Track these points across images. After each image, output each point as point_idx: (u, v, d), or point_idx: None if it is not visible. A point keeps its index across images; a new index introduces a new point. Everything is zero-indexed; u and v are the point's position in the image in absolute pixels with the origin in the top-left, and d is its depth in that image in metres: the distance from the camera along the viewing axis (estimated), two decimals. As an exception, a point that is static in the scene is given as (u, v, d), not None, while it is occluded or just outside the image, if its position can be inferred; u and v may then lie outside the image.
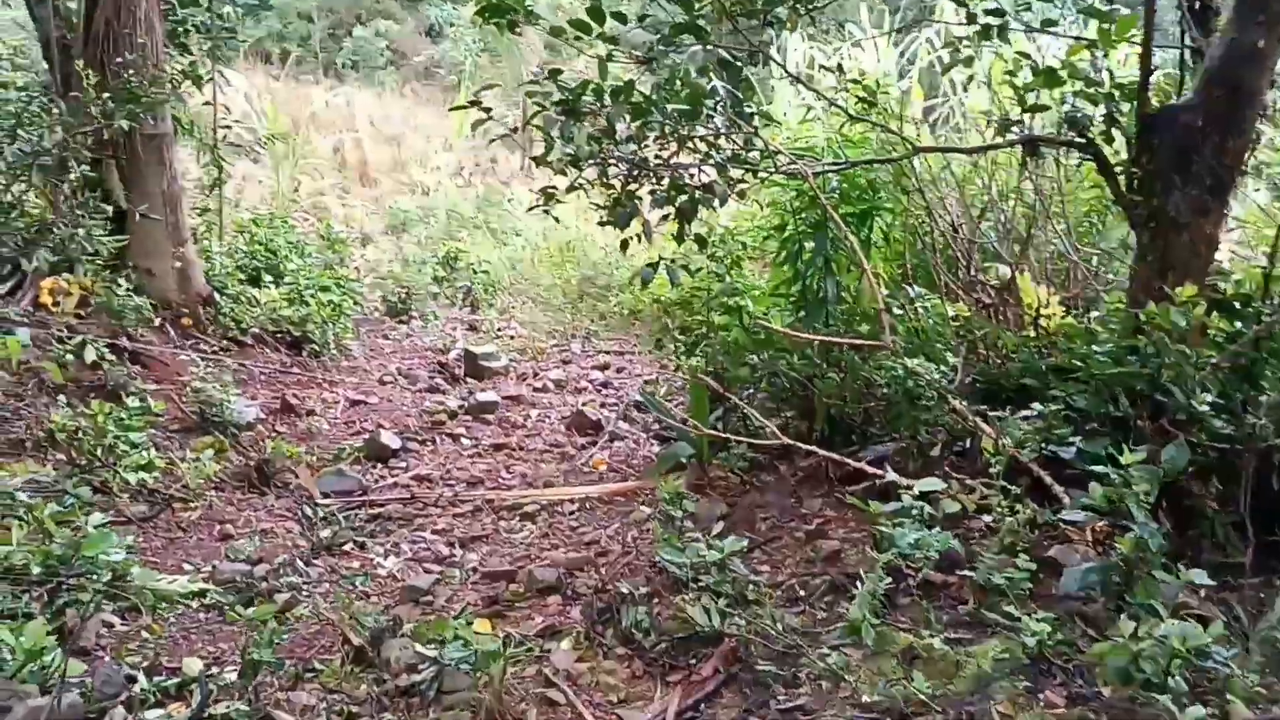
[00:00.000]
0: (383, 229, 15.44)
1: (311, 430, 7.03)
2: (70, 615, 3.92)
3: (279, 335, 8.62)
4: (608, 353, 9.67)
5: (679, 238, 5.25)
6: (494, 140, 22.22)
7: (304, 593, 4.63)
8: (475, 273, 12.12)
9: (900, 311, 5.36)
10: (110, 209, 7.33)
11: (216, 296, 8.22)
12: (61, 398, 5.75)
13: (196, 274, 8.14)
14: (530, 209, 5.24)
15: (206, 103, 8.68)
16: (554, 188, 5.17)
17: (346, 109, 22.15)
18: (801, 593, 4.18)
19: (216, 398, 6.42)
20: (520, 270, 12.68)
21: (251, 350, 8.23)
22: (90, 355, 6.51)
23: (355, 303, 9.96)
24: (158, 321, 7.59)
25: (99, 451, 5.38)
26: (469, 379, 8.58)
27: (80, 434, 5.42)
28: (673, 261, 5.21)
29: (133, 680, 3.55)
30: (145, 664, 3.73)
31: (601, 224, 5.27)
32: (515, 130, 4.59)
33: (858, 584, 3.65)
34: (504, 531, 5.42)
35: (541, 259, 12.42)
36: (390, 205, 16.25)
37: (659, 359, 9.15)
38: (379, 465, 6.49)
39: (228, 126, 8.87)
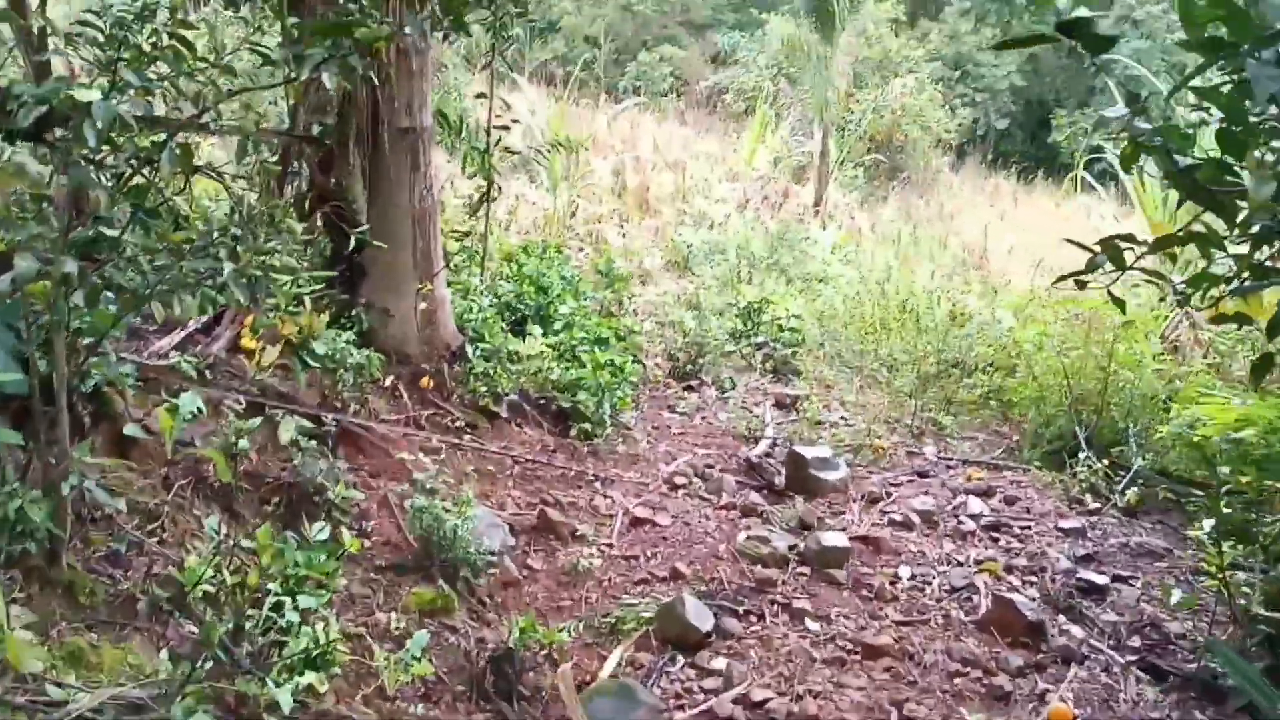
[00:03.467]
0: (663, 264, 13.32)
1: (577, 570, 4.71)
2: None
3: (542, 404, 6.45)
4: (977, 463, 6.84)
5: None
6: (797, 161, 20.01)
7: None
8: (780, 329, 9.60)
9: None
10: (344, 225, 5.42)
11: (469, 349, 6.14)
12: (214, 520, 3.66)
13: (446, 318, 6.09)
14: (1060, 281, 2.60)
15: (480, 95, 6.67)
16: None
17: (629, 132, 20.58)
18: None
19: (448, 522, 4.20)
20: (832, 329, 10.05)
21: (505, 426, 6.07)
22: (286, 434, 4.51)
23: (637, 360, 7.70)
24: (388, 381, 5.58)
25: (250, 626, 3.23)
26: (792, 493, 6.03)
27: (228, 595, 3.31)
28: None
29: None
30: None
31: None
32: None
33: None
34: None
35: (866, 317, 9.72)
36: (673, 237, 14.13)
37: (1066, 489, 6.24)
38: (679, 658, 4.04)
39: (505, 128, 6.79)
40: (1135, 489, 6.03)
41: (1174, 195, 9.08)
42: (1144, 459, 6.21)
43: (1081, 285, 2.58)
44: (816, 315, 10.26)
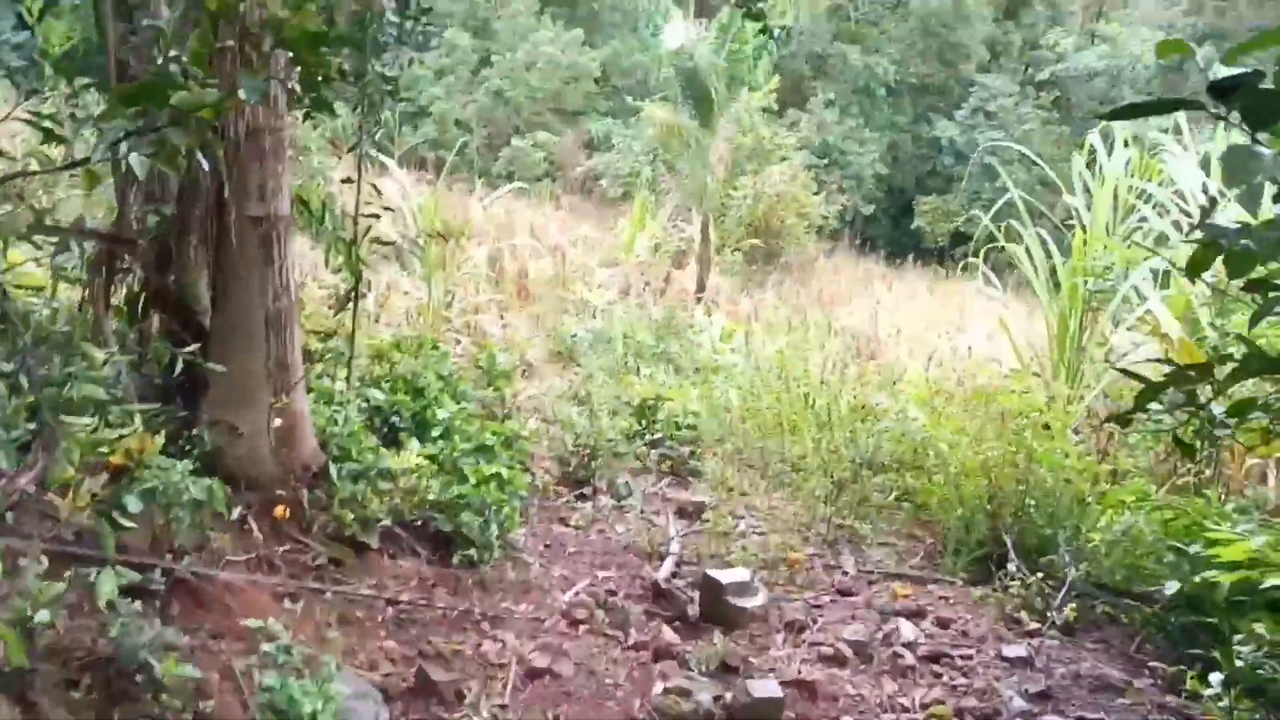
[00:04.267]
0: (546, 356, 12.64)
1: (468, 746, 3.90)
2: None
3: (419, 527, 5.63)
4: (899, 576, 6.33)
5: None
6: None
7: None
8: (677, 427, 9.02)
9: None
10: (182, 332, 4.58)
11: (332, 469, 5.29)
12: (-14, 732, 2.75)
13: (305, 435, 5.25)
14: (1110, 421, 2.10)
15: (346, 180, 5.95)
16: None
17: (505, 218, 20.04)
18: None
19: (305, 707, 3.36)
20: (729, 424, 9.52)
21: (376, 559, 5.22)
22: (105, 592, 3.60)
23: (525, 468, 6.95)
24: (235, 513, 4.69)
25: None
26: (709, 624, 5.35)
27: None
28: None
29: None
30: None
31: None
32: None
33: None
34: None
35: (766, 411, 9.22)
36: (554, 327, 13.49)
37: (1000, 605, 5.76)
38: None
39: (375, 216, 6.07)
40: (1072, 604, 5.59)
41: (1066, 294, 8.99)
42: (1076, 569, 5.79)
43: (1125, 424, 2.04)
44: (712, 410, 9.72)
